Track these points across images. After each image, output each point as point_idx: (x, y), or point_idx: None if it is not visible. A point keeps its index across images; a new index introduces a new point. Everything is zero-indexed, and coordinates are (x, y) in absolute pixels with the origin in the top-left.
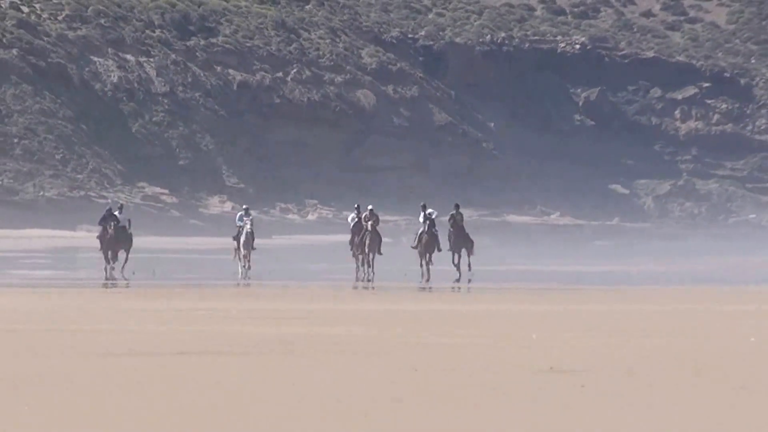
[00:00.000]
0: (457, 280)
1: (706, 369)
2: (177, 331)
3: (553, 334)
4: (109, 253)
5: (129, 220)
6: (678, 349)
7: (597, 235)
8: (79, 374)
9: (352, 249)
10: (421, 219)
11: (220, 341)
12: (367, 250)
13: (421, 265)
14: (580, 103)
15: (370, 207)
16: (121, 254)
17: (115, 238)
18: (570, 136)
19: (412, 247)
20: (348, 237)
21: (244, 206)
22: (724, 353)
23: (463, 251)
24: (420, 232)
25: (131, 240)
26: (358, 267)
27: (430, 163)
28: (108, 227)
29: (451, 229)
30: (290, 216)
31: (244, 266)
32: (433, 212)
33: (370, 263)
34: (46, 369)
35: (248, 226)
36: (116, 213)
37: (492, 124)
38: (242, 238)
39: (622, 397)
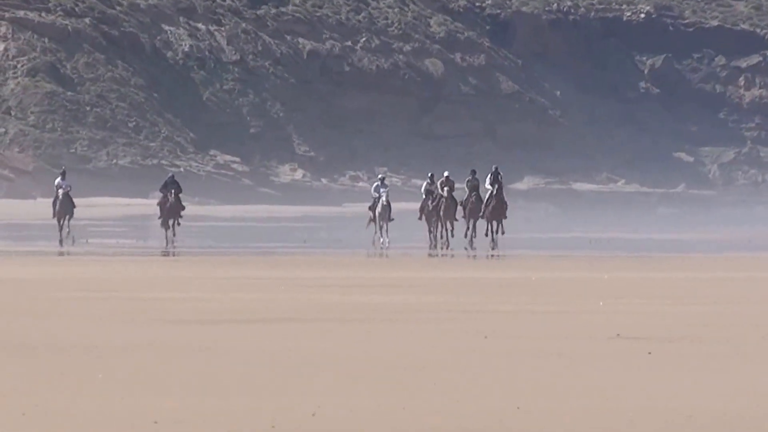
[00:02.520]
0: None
1: None
2: (244, 299)
3: (619, 302)
4: (170, 221)
5: (70, 186)
6: (746, 316)
7: (662, 202)
8: (152, 341)
9: (421, 216)
10: (488, 184)
11: (292, 309)
12: (443, 217)
13: (486, 233)
14: (646, 71)
15: (446, 173)
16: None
17: (174, 205)
18: (635, 103)
19: (480, 217)
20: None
21: (379, 175)
22: None
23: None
24: (487, 197)
25: (73, 206)
26: (432, 234)
27: (497, 131)
28: (168, 194)
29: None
30: (360, 184)
31: (382, 238)
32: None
33: (448, 230)
34: (120, 336)
35: (384, 198)
36: (60, 179)
37: (558, 92)
38: (378, 209)
39: (690, 364)
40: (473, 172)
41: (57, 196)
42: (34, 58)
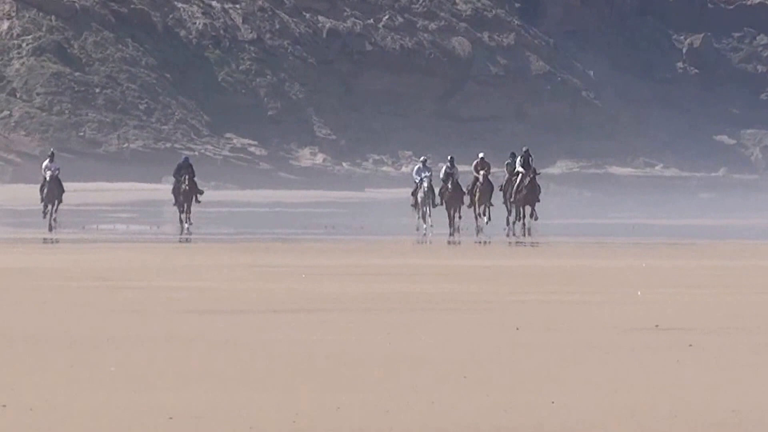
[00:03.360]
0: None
1: None
2: (264, 288)
3: (658, 291)
4: (185, 205)
5: (59, 169)
6: None
7: (702, 187)
8: (167, 333)
9: (442, 201)
10: (519, 167)
11: (315, 299)
12: (477, 203)
13: (518, 219)
14: (684, 50)
15: (481, 155)
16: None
17: (189, 190)
18: (673, 83)
19: (510, 201)
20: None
21: (422, 158)
22: None
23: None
24: (518, 180)
25: (62, 191)
26: (451, 219)
27: (527, 113)
28: (182, 180)
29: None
30: (384, 168)
31: (424, 224)
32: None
33: (481, 216)
34: (133, 327)
35: (426, 183)
36: (48, 161)
37: (592, 72)
38: (420, 194)
39: (733, 356)
40: (512, 154)
41: (45, 180)
42: (39, 37)
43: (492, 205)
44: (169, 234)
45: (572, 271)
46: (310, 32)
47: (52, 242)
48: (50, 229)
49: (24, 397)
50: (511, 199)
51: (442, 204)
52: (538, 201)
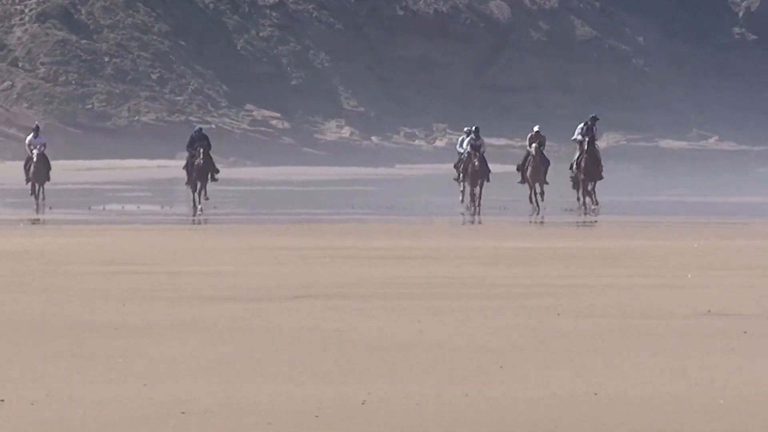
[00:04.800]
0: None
1: None
2: (291, 272)
3: (711, 273)
4: (198, 184)
5: (45, 145)
6: None
7: (760, 161)
8: (181, 321)
9: (465, 176)
10: (578, 135)
11: (340, 283)
12: (530, 179)
13: (579, 197)
14: (740, 14)
15: (536, 128)
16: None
17: (203, 166)
18: (729, 50)
19: (571, 177)
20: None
21: (465, 128)
22: None
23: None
24: (578, 153)
25: (49, 168)
26: (464, 194)
27: (572, 82)
28: (196, 153)
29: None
30: (416, 142)
31: (471, 201)
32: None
33: (537, 193)
34: (143, 316)
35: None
36: (31, 136)
37: (642, 38)
38: (467, 168)
39: None
40: (587, 123)
41: (30, 158)
42: (43, 1)
43: (547, 183)
44: (182, 215)
45: (618, 253)
46: None
47: (55, 224)
48: (38, 210)
49: (25, 390)
50: (572, 175)
51: (463, 179)
52: (601, 177)
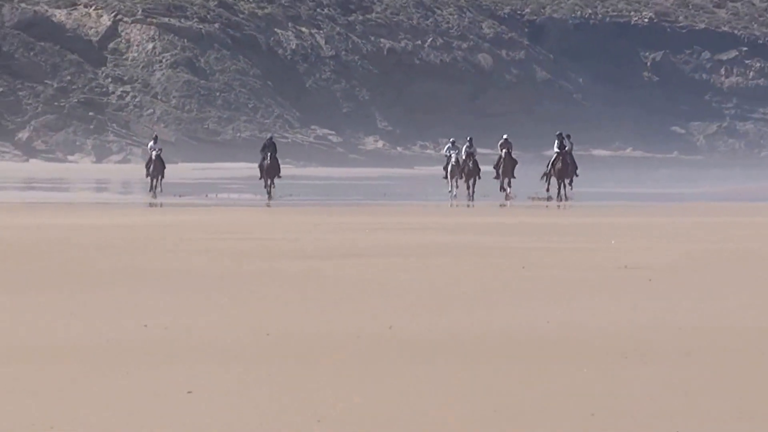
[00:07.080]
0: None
1: (761, 264)
2: (340, 239)
3: (629, 241)
4: (268, 180)
5: (161, 149)
6: (734, 252)
7: (661, 165)
8: (270, 271)
9: (462, 174)
10: (556, 148)
11: (373, 246)
12: (501, 174)
13: (559, 190)
14: (648, 64)
15: (505, 136)
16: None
17: (271, 166)
18: (640, 89)
19: (545, 174)
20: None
21: (451, 139)
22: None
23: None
24: (553, 158)
25: (164, 166)
26: (454, 188)
27: (534, 110)
28: (266, 156)
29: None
30: (427, 151)
31: (453, 192)
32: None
33: (509, 186)
34: (249, 268)
35: (454, 157)
36: (152, 142)
37: (581, 80)
38: (449, 168)
39: (685, 289)
40: (558, 135)
41: (150, 158)
42: (175, 54)
43: (514, 177)
44: (266, 201)
45: (566, 226)
46: (374, 50)
47: (184, 206)
48: (155, 196)
49: (185, 316)
50: (549, 174)
51: (462, 177)
52: (576, 175)
